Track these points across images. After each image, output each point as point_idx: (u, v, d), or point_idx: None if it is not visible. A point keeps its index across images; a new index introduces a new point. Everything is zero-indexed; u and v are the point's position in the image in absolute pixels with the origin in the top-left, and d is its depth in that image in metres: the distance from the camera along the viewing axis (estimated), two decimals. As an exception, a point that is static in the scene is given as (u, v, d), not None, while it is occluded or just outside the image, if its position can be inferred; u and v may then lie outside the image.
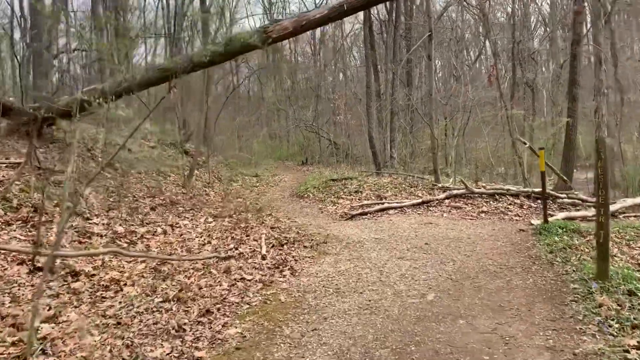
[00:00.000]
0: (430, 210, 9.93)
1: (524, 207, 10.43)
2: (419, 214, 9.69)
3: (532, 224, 8.81)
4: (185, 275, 5.46)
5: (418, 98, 24.00)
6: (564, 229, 7.24)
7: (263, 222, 8.39)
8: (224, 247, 6.76)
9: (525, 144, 9.68)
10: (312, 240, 7.44)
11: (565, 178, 11.19)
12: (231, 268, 5.83)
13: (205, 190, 12.80)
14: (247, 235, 7.50)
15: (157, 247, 6.47)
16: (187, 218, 8.38)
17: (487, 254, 6.56)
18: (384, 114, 18.69)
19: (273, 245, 7.00)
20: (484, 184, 11.44)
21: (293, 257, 6.56)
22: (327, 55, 38.23)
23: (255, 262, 6.19)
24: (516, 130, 20.27)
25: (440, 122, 25.14)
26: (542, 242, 6.88)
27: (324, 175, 17.16)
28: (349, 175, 13.89)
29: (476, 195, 10.69)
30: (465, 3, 30.24)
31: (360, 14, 18.41)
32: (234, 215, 9.03)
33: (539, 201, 10.79)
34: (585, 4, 16.22)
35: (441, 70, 36.24)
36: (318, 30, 39.17)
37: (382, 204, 10.31)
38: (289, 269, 6.01)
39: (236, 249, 6.72)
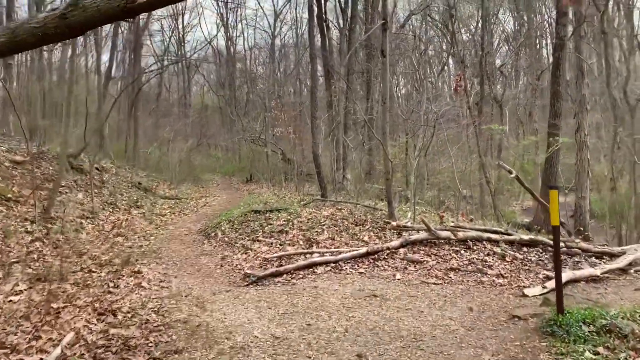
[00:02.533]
0: (377, 267, 6.82)
1: (507, 259, 7.50)
2: (360, 273, 6.57)
3: (526, 295, 5.89)
4: None
5: (377, 111, 21.21)
6: (593, 327, 4.26)
7: (98, 300, 5.05)
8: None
9: (511, 173, 6.81)
10: (163, 341, 4.18)
11: (562, 221, 8.37)
12: None
13: (80, 224, 9.34)
14: (48, 326, 4.19)
15: None
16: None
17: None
18: (333, 127, 15.63)
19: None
20: (452, 224, 8.46)
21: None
22: (288, 66, 35.34)
23: None
24: (482, 151, 17.70)
25: (399, 139, 22.41)
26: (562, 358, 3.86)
27: (255, 200, 13.92)
28: (278, 206, 10.68)
29: (442, 241, 7.70)
30: (429, 17, 28.10)
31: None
32: (66, 277, 5.68)
33: (524, 249, 7.90)
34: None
35: (404, 87, 33.92)
36: (278, 40, 36.43)
37: (310, 254, 7.16)
38: None
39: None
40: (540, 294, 5.96)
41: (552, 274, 6.46)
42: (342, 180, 19.37)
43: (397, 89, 31.38)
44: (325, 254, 7.11)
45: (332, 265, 6.77)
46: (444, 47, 29.49)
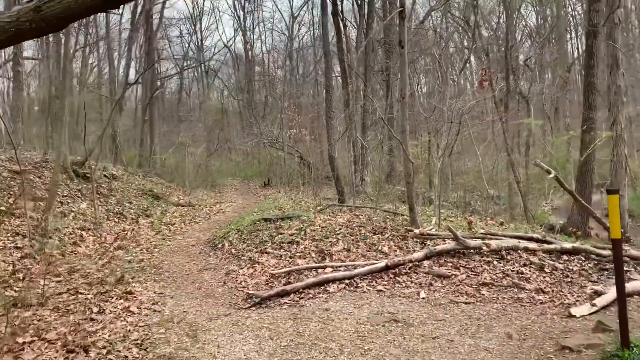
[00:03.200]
0: (398, 283, 6.01)
1: (546, 270, 6.60)
2: (378, 291, 5.77)
3: (573, 315, 5.02)
4: None
5: (397, 110, 20.30)
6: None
7: (74, 331, 4.39)
8: None
9: (549, 172, 5.96)
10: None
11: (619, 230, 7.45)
12: None
13: (80, 236, 8.79)
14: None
15: None
16: None
17: None
18: (347, 127, 14.82)
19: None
20: (482, 232, 7.58)
21: None
22: (307, 68, 34.72)
23: None
24: (510, 149, 16.67)
25: (421, 138, 21.49)
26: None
27: (270, 205, 13.23)
28: (291, 213, 9.95)
29: (472, 250, 6.85)
30: (449, 14, 27.09)
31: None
32: (46, 302, 5.05)
33: (564, 257, 6.97)
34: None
35: (425, 86, 32.88)
36: (296, 42, 35.84)
37: (323, 269, 6.40)
38: None
39: None
40: (590, 314, 5.09)
41: (600, 288, 5.58)
42: (360, 183, 18.57)
43: (418, 87, 30.43)
44: (338, 269, 6.33)
45: (347, 282, 5.99)
46: (465, 43, 28.49)
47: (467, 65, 29.51)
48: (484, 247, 6.26)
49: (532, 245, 6.36)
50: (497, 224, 11.12)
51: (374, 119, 19.37)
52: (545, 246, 6.38)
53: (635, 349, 3.55)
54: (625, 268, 7.00)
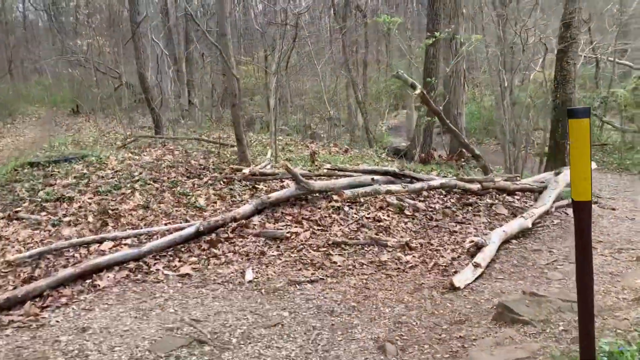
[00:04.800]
0: (214, 258, 4.03)
1: (406, 211, 5.23)
2: (181, 278, 3.73)
3: (456, 287, 3.66)
4: None
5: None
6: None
7: None
8: None
9: (414, 87, 4.38)
10: None
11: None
12: None
13: None
14: None
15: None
16: None
17: None
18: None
19: None
20: (327, 167, 5.90)
21: None
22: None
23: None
24: (352, 65, 15.38)
25: (257, 55, 19.19)
26: None
27: (66, 140, 10.12)
28: (75, 151, 7.24)
29: (317, 194, 5.15)
30: None
31: None
32: None
33: (424, 193, 5.65)
34: None
35: (261, 3, 29.83)
36: None
37: (99, 243, 4.11)
38: None
39: None
40: (475, 279, 3.77)
41: (479, 238, 4.30)
42: (188, 107, 15.87)
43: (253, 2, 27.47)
44: (123, 243, 4.12)
45: (133, 265, 3.82)
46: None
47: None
48: (335, 198, 4.55)
49: (395, 187, 4.82)
50: (342, 151, 9.73)
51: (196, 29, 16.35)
52: (411, 186, 4.90)
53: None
54: (489, 201, 5.99)
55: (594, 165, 8.04)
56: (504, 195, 6.25)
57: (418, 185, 4.96)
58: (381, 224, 4.92)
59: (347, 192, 4.17)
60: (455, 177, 5.55)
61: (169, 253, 4.03)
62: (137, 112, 17.12)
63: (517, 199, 6.36)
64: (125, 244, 4.13)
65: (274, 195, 4.87)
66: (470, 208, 5.71)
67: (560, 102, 9.43)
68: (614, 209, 6.86)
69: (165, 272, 3.77)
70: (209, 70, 17.17)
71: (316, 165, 6.78)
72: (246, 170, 5.74)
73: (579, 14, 9.28)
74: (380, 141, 14.29)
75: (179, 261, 3.93)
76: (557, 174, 6.87)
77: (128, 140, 8.79)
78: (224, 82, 17.25)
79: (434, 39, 8.24)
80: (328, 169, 5.79)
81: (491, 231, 4.92)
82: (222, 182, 5.71)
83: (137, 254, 3.87)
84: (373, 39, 20.17)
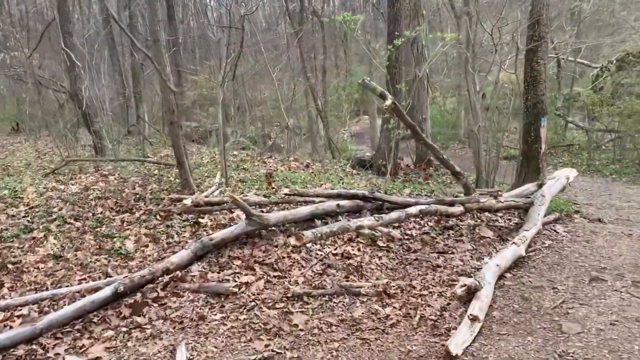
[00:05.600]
0: (139, 330, 3.10)
1: (380, 242, 4.42)
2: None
3: (453, 356, 2.82)
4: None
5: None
6: None
7: None
8: None
9: (384, 98, 3.59)
10: None
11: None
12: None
13: None
14: None
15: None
16: None
17: None
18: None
19: None
20: (285, 190, 5.01)
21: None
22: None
23: None
24: (310, 71, 14.59)
25: (210, 64, 18.17)
26: None
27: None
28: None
29: (272, 228, 4.27)
30: None
31: None
32: None
33: (393, 215, 4.85)
34: None
35: (216, 12, 28.74)
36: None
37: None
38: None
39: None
40: (473, 341, 2.97)
41: (472, 281, 3.51)
42: (136, 122, 14.69)
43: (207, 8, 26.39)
44: (16, 314, 3.13)
45: (23, 351, 2.83)
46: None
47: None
48: (293, 243, 3.67)
49: (368, 221, 3.98)
50: (303, 166, 8.88)
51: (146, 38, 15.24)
52: (386, 218, 4.07)
53: None
54: (472, 222, 5.26)
55: (574, 172, 7.51)
56: (486, 213, 5.55)
57: (394, 215, 4.15)
58: (351, 261, 4.08)
59: (308, 234, 3.32)
60: (434, 200, 4.76)
61: (77, 327, 3.05)
62: (84, 128, 15.80)
63: (500, 217, 5.68)
64: (19, 315, 3.14)
65: (218, 235, 3.96)
66: (451, 232, 4.95)
67: (531, 105, 8.87)
68: (600, 220, 6.29)
69: (69, 357, 2.80)
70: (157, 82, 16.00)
71: (273, 188, 5.90)
72: (188, 201, 4.79)
73: (547, 11, 8.79)
74: (344, 151, 13.53)
75: (89, 338, 2.96)
76: (539, 185, 6.24)
77: (62, 164, 7.67)
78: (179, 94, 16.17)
79: (402, 40, 7.49)
80: (286, 194, 4.91)
81: (480, 263, 4.19)
82: (158, 217, 4.75)
83: (31, 333, 2.88)
84: (331, 45, 19.43)
